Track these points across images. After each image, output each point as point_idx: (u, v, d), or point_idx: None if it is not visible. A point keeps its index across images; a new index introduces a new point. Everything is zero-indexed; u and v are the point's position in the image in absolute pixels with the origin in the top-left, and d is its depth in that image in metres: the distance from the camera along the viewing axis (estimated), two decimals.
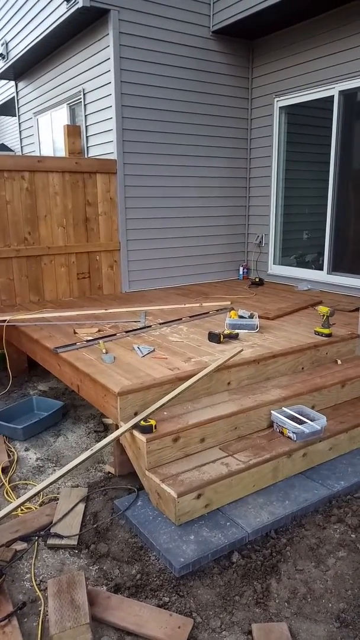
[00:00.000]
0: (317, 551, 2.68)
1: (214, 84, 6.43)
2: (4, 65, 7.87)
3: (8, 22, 7.47)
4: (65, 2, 5.53)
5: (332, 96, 5.73)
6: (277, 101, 6.48)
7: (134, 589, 2.44)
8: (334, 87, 5.69)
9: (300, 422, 3.32)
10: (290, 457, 3.17)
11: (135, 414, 3.17)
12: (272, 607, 2.35)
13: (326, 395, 3.75)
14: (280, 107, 6.49)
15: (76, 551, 2.71)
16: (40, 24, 6.33)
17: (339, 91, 5.65)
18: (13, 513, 2.91)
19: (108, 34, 5.58)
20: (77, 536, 2.77)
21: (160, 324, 4.64)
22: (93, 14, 5.53)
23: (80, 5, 5.23)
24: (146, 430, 2.93)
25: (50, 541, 2.74)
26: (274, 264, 7.00)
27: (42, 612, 2.30)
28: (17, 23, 7.10)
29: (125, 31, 5.57)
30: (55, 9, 5.81)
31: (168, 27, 5.87)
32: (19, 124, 8.87)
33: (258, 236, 7.08)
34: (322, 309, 4.28)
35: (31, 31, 6.65)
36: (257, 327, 4.38)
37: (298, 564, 2.60)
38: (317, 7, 5.48)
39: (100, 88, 5.93)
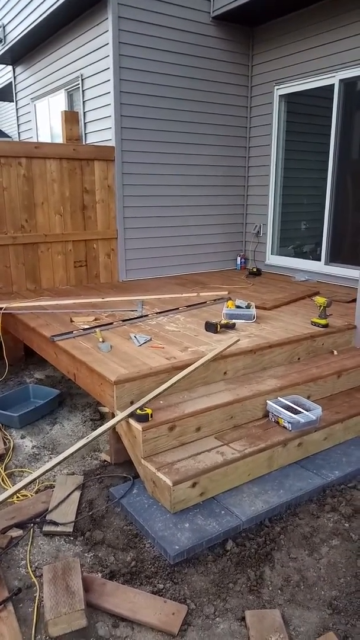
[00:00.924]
0: (311, 540, 2.71)
1: (214, 71, 6.35)
2: (1, 49, 7.77)
3: (5, 4, 7.35)
4: None
5: (333, 85, 5.68)
6: (277, 89, 6.41)
7: (128, 576, 2.46)
8: (334, 76, 5.64)
9: (296, 412, 3.33)
10: (286, 446, 3.18)
11: (132, 403, 3.17)
12: (265, 594, 2.37)
13: (322, 386, 3.76)
14: (280, 96, 6.43)
15: (71, 538, 2.72)
16: (38, 6, 6.23)
17: (340, 80, 5.59)
18: (9, 500, 2.92)
19: (107, 19, 5.49)
20: (73, 523, 2.78)
21: (157, 313, 4.63)
22: None
23: None
24: (142, 418, 2.94)
25: (46, 528, 2.75)
26: (271, 254, 6.98)
27: (37, 598, 2.32)
28: (14, 6, 6.99)
29: (124, 16, 5.49)
30: None
31: (168, 12, 5.78)
32: (17, 109, 8.77)
33: (256, 226, 7.05)
34: (319, 300, 4.28)
35: (29, 14, 6.54)
36: (254, 317, 4.37)
37: (292, 552, 2.62)
38: None
39: (99, 74, 5.86)
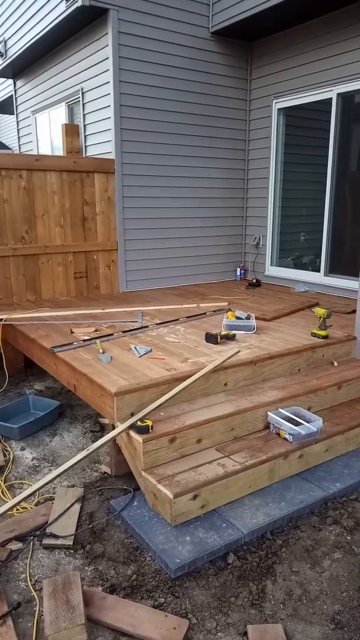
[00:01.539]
0: (313, 553, 2.69)
1: (213, 85, 6.43)
2: (2, 63, 7.85)
3: (7, 19, 7.45)
4: (64, 1, 5.52)
5: (330, 98, 5.75)
6: (276, 103, 6.49)
7: (129, 590, 2.44)
8: (332, 90, 5.71)
9: (297, 424, 3.32)
10: (287, 458, 3.17)
11: (132, 415, 3.16)
12: (267, 608, 2.35)
13: (322, 397, 3.76)
14: (278, 109, 6.50)
15: (72, 551, 2.70)
16: (39, 22, 6.32)
17: (337, 94, 5.67)
18: (8, 513, 2.90)
19: (107, 34, 5.57)
20: (73, 536, 2.76)
21: (157, 324, 4.63)
22: (92, 13, 5.52)
23: (79, 4, 5.22)
24: (143, 430, 2.93)
25: (46, 541, 2.73)
26: (271, 265, 7.01)
27: (37, 613, 2.30)
28: (16, 21, 7.09)
29: (124, 31, 5.56)
30: (55, 7, 5.80)
31: (167, 28, 5.87)
32: (17, 122, 8.85)
33: (255, 237, 7.09)
34: (319, 311, 4.29)
35: (30, 29, 6.63)
36: (254, 328, 4.38)
37: (293, 565, 2.60)
38: (316, 9, 5.50)
39: (99, 87, 5.93)
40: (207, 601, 2.38)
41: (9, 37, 7.45)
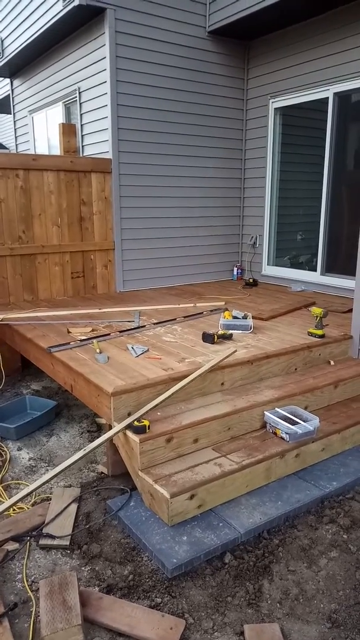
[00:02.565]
0: (309, 552, 2.69)
1: (210, 85, 6.43)
2: None
3: (4, 19, 7.43)
4: (61, 0, 5.51)
5: (327, 98, 5.75)
6: (272, 102, 6.49)
7: (126, 590, 2.44)
8: (328, 89, 5.71)
9: (293, 423, 3.33)
10: (283, 457, 3.17)
11: (129, 414, 3.16)
12: (264, 607, 2.35)
13: (319, 396, 3.76)
14: (275, 108, 6.51)
15: (68, 552, 2.70)
16: (36, 21, 6.31)
17: (334, 93, 5.67)
18: (5, 513, 2.90)
19: (104, 33, 5.56)
20: (70, 536, 2.76)
21: (154, 324, 4.63)
22: (89, 12, 5.51)
23: (76, 3, 5.21)
24: (139, 430, 2.93)
25: (43, 541, 2.73)
26: (268, 264, 7.01)
27: (33, 613, 2.30)
28: (13, 20, 7.07)
29: (121, 30, 5.56)
30: (52, 6, 5.79)
31: (164, 27, 5.86)
32: (14, 121, 8.84)
33: (252, 237, 7.09)
34: (316, 310, 4.30)
35: (27, 28, 6.62)
36: (250, 328, 4.38)
37: (290, 564, 2.61)
38: (313, 9, 5.50)
39: (96, 87, 5.92)
40: (203, 601, 2.38)
41: (6, 37, 7.43)
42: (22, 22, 6.75)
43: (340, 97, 5.67)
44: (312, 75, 5.86)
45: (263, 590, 2.44)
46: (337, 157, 5.84)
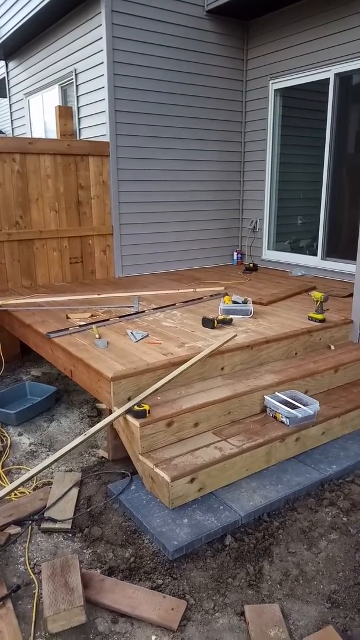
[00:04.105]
0: (309, 534, 2.71)
1: (208, 65, 6.32)
2: None
3: None
4: None
5: (328, 79, 5.66)
6: (272, 83, 6.39)
7: (127, 572, 2.46)
8: (329, 70, 5.62)
9: (294, 407, 3.33)
10: (284, 441, 3.18)
11: (129, 399, 3.16)
12: (264, 588, 2.38)
13: (319, 381, 3.76)
14: (275, 90, 6.41)
15: (70, 535, 2.72)
16: (30, 1, 6.17)
17: (335, 74, 5.58)
18: (7, 497, 2.91)
19: (100, 13, 5.45)
20: (71, 520, 2.78)
21: (153, 309, 4.62)
22: None
23: None
24: (140, 415, 2.93)
25: (44, 525, 2.75)
26: (268, 249, 6.97)
27: (36, 595, 2.32)
28: (6, 0, 6.92)
29: (118, 10, 5.44)
30: None
31: (162, 6, 5.74)
32: (10, 105, 8.71)
33: (252, 221, 7.03)
34: (316, 295, 4.28)
35: (21, 8, 6.48)
36: (250, 313, 4.37)
37: (290, 546, 2.63)
38: None
39: (93, 68, 5.82)
40: (204, 582, 2.41)
41: (0, 16, 7.28)
42: (15, 2, 6.61)
43: (342, 77, 5.58)
44: (313, 55, 5.75)
45: (263, 572, 2.47)
46: (338, 139, 5.77)
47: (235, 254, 7.18)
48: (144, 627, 2.18)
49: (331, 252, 6.11)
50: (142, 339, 3.79)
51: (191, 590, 2.36)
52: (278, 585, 2.39)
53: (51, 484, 3.11)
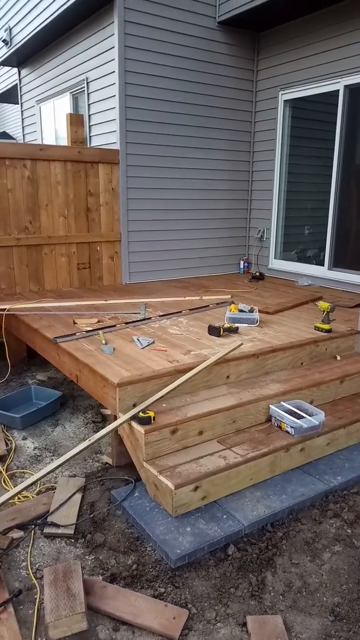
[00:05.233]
0: (313, 545, 2.69)
1: (219, 76, 6.37)
2: (7, 52, 7.80)
3: (13, 6, 7.39)
4: None
5: (337, 90, 5.69)
6: (282, 94, 6.43)
7: (129, 579, 2.45)
8: (339, 82, 5.65)
9: (299, 417, 3.32)
10: (288, 451, 3.17)
11: (134, 406, 3.16)
12: (267, 599, 2.36)
13: (325, 391, 3.75)
14: (284, 101, 6.44)
15: (72, 540, 2.71)
16: (44, 9, 6.26)
17: (344, 85, 5.61)
18: (10, 501, 2.91)
19: (113, 22, 5.52)
20: (74, 525, 2.77)
21: (160, 316, 4.63)
22: (98, 1, 5.47)
23: None
24: (144, 421, 2.93)
25: (47, 530, 2.74)
26: (275, 258, 6.98)
27: (37, 600, 2.31)
28: (21, 8, 7.03)
29: (130, 20, 5.51)
30: None
31: (173, 17, 5.81)
32: (22, 111, 8.81)
33: (259, 230, 7.05)
34: (322, 305, 4.27)
35: (36, 17, 6.58)
36: (257, 322, 4.37)
37: (294, 557, 2.61)
38: (324, 0, 5.44)
39: (104, 77, 5.88)
40: (206, 592, 2.39)
41: (14, 25, 7.39)
42: (30, 10, 6.71)
43: (351, 89, 5.60)
44: (323, 67, 5.79)
45: (266, 583, 2.45)
46: (346, 150, 5.79)
47: (242, 262, 7.20)
48: (145, 635, 2.17)
49: (338, 263, 6.11)
50: (148, 345, 3.79)
51: (193, 599, 2.35)
52: (281, 597, 2.38)
53: (55, 488, 3.11)
